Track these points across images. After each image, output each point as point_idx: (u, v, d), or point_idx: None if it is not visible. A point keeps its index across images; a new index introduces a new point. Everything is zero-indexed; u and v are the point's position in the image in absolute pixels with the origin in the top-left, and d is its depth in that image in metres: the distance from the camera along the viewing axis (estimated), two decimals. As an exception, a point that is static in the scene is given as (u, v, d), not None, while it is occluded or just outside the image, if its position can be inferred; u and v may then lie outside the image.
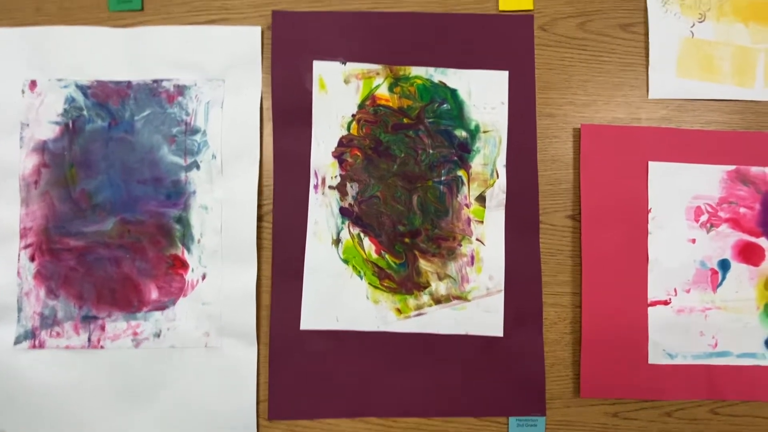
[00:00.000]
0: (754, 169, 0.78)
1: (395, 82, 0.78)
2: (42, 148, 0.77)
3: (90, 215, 0.76)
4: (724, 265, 0.77)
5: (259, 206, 0.77)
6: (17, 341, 0.75)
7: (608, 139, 0.78)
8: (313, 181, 0.77)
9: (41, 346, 0.75)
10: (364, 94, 0.78)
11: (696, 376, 0.76)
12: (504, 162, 0.77)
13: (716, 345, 0.76)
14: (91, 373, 0.75)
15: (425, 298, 0.76)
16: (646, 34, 0.79)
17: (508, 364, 0.75)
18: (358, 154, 0.78)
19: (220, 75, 0.78)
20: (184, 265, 0.76)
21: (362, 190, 0.77)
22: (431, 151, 0.78)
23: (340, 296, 0.76)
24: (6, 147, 0.76)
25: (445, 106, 0.78)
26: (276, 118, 0.78)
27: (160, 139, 0.77)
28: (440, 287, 0.76)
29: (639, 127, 0.78)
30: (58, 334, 0.75)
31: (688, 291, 0.77)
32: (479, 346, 0.75)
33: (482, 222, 0.77)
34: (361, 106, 0.78)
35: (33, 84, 0.77)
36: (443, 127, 0.78)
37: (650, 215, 0.77)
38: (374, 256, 0.76)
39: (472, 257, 0.76)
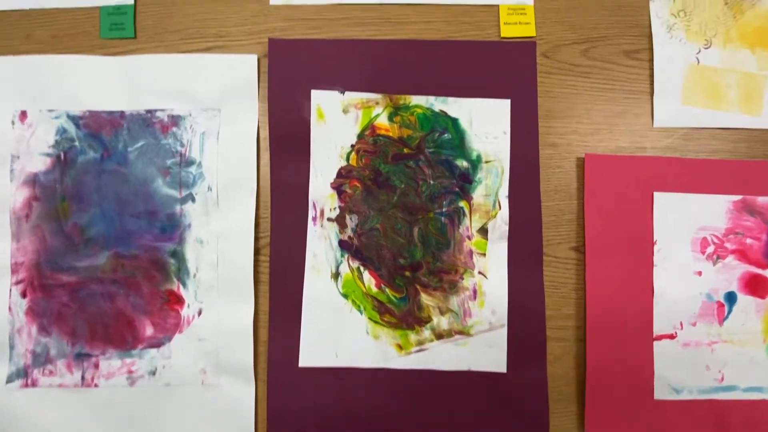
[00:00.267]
0: (761, 199, 0.76)
1: (395, 112, 0.77)
2: (33, 180, 0.75)
3: (83, 250, 0.74)
4: (731, 297, 0.76)
5: (256, 239, 0.75)
6: (9, 380, 0.73)
7: (612, 169, 0.76)
8: (311, 213, 0.75)
9: (34, 384, 0.73)
10: (364, 124, 0.76)
11: (702, 412, 0.74)
12: (506, 193, 0.76)
13: (722, 379, 0.75)
14: (85, 412, 0.73)
15: (427, 333, 0.74)
16: (651, 61, 0.78)
17: (511, 400, 0.74)
18: (358, 185, 0.76)
19: (215, 104, 0.76)
20: (179, 300, 0.74)
21: (362, 222, 0.75)
22: (432, 182, 0.76)
23: (339, 332, 0.74)
24: (-4, 180, 0.75)
25: (446, 135, 0.76)
26: (273, 148, 0.76)
27: (154, 171, 0.75)
28: (442, 322, 0.74)
29: (644, 157, 0.76)
30: (51, 372, 0.73)
31: (694, 324, 0.75)
32: (482, 382, 0.74)
33: (484, 254, 0.75)
34: (360, 136, 0.76)
35: (23, 115, 0.75)
36: (444, 157, 0.76)
37: (656, 247, 0.75)
38: (374, 290, 0.75)
39: (475, 291, 0.75)
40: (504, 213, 0.75)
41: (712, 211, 0.76)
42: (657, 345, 0.75)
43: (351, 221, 0.76)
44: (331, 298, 0.74)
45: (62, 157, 0.75)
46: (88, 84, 0.76)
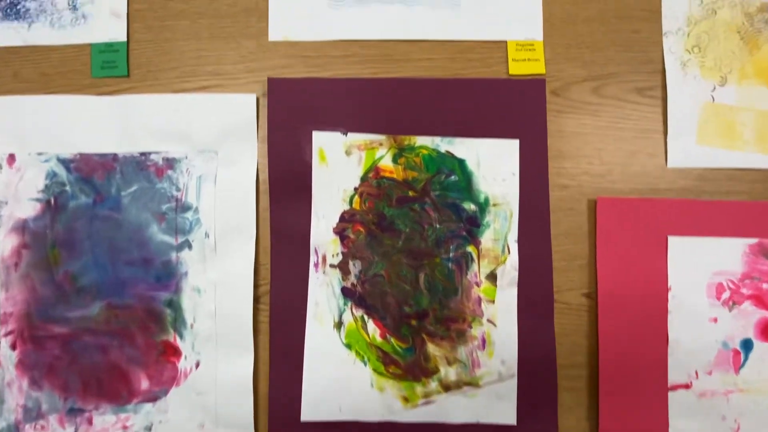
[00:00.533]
0: (778, 243, 0.74)
1: (399, 153, 0.74)
2: (22, 227, 0.72)
3: (74, 299, 0.71)
4: (747, 345, 0.73)
5: (256, 287, 0.72)
6: (-2, 436, 0.70)
7: (625, 212, 0.73)
8: (313, 259, 0.73)
9: (24, 441, 0.70)
10: (367, 166, 0.74)
11: (719, 465, 0.72)
12: (515, 237, 0.73)
13: (739, 429, 0.73)
14: (78, 470, 0.70)
15: (434, 384, 0.72)
16: (664, 99, 0.75)
17: (521, 453, 0.71)
18: (361, 230, 0.73)
19: (212, 146, 0.73)
20: (176, 352, 0.71)
21: (365, 269, 0.73)
22: (438, 226, 0.73)
23: (342, 384, 0.71)
24: (-17, 227, 0.71)
25: (452, 177, 0.74)
26: (273, 192, 0.73)
27: (148, 216, 0.72)
28: (450, 373, 0.72)
29: (657, 200, 0.74)
30: (42, 427, 0.70)
31: (709, 373, 0.73)
32: (491, 435, 0.71)
33: (493, 302, 0.72)
34: (363, 179, 0.73)
35: (11, 158, 0.72)
36: (451, 200, 0.73)
37: (670, 293, 0.73)
38: (379, 339, 0.72)
39: (483, 340, 0.72)
40: (513, 258, 0.73)
41: (728, 255, 0.74)
42: (672, 395, 0.72)
43: (354, 267, 0.73)
44: (333, 348, 0.72)
45: (52, 202, 0.72)
46: (79, 125, 0.73)
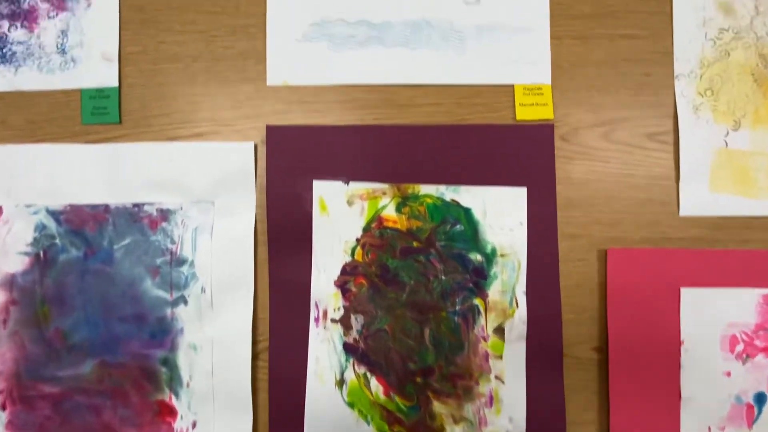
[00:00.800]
0: (794, 293, 0.72)
1: (403, 202, 0.71)
2: (10, 282, 0.69)
3: (66, 357, 0.68)
4: (760, 398, 0.71)
5: (254, 343, 0.70)
6: (-14, 501, 0.68)
7: (637, 263, 0.71)
8: (313, 314, 0.70)
9: (13, 506, 0.68)
10: (370, 216, 0.71)
11: None
12: (524, 289, 0.70)
13: (753, 486, 0.71)
14: None
15: (439, 444, 0.69)
16: (676, 144, 0.73)
17: None
18: (364, 282, 0.70)
19: (209, 196, 0.70)
20: (171, 412, 0.68)
21: (368, 323, 0.70)
22: (444, 278, 0.71)
23: (345, 444, 0.69)
24: (-31, 283, 0.68)
25: (458, 227, 0.71)
26: (272, 243, 0.70)
27: (142, 270, 0.69)
28: (456, 432, 0.69)
29: (669, 250, 0.71)
30: (32, 492, 0.68)
31: (722, 429, 0.70)
32: (499, 496, 0.69)
33: (501, 357, 0.70)
34: (366, 229, 0.71)
35: (-2, 210, 0.69)
36: (456, 251, 0.71)
37: (683, 347, 0.70)
38: (382, 398, 0.69)
39: (491, 397, 0.70)
40: (522, 311, 0.70)
41: (742, 305, 0.71)
42: (685, 453, 0.70)
43: (356, 322, 0.70)
44: (335, 407, 0.69)
45: (42, 255, 0.69)
46: (68, 175, 0.70)
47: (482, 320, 0.70)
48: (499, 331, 0.70)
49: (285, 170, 0.70)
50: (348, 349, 0.70)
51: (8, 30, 0.71)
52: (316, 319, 0.70)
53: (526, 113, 0.72)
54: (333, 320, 0.70)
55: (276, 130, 0.71)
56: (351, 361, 0.70)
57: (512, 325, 0.70)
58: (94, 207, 0.70)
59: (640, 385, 0.70)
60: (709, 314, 0.71)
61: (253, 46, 0.72)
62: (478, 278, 0.71)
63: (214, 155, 0.70)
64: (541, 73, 0.73)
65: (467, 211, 0.71)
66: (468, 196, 0.71)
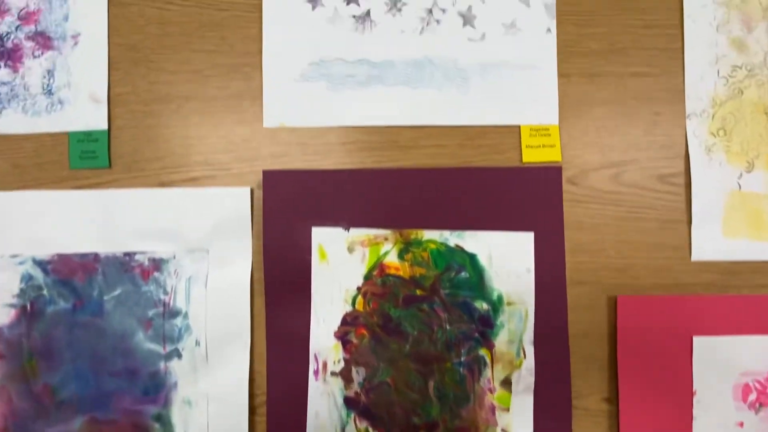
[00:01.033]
0: (809, 340, 0.69)
1: (406, 248, 0.68)
2: (-5, 336, 0.66)
3: (54, 414, 0.65)
4: (775, 449, 0.69)
5: (251, 397, 0.67)
6: None
7: (647, 311, 0.69)
8: (312, 366, 0.67)
9: None
10: (371, 263, 0.68)
11: None
12: (531, 338, 0.68)
13: None
14: None
15: (445, 501, 0.67)
16: (688, 186, 0.70)
17: None
18: (365, 333, 0.68)
19: (203, 245, 0.67)
20: (166, 470, 0.66)
21: (370, 376, 0.67)
22: (449, 327, 0.68)
23: (347, 503, 0.66)
24: (-48, 338, 0.65)
25: (463, 274, 0.68)
26: (269, 293, 0.67)
27: (134, 323, 0.66)
28: (461, 488, 0.67)
29: (681, 297, 0.69)
30: None
31: (737, 481, 0.68)
32: None
33: (508, 410, 0.67)
34: (367, 277, 0.68)
35: (-18, 261, 0.66)
36: (462, 299, 0.68)
37: (695, 398, 0.68)
38: (386, 453, 0.67)
39: (497, 452, 0.67)
40: (529, 362, 0.68)
41: (755, 353, 0.69)
42: (698, 507, 0.68)
43: (358, 375, 0.67)
44: (337, 464, 0.67)
45: (29, 307, 0.66)
46: (56, 223, 0.67)
47: (488, 371, 0.68)
48: (506, 382, 0.68)
49: (283, 216, 0.68)
50: (349, 403, 0.67)
51: (-8, 69, 0.68)
52: (316, 372, 0.67)
53: (532, 155, 0.69)
54: (333, 373, 0.67)
55: (273, 174, 0.68)
56: (352, 415, 0.67)
57: (519, 377, 0.68)
58: (83, 256, 0.67)
59: (651, 438, 0.68)
60: (721, 363, 0.69)
61: (248, 87, 0.69)
62: (485, 327, 0.68)
63: (208, 201, 0.67)
64: (548, 113, 0.70)
65: (472, 258, 0.69)
66: (473, 241, 0.69)
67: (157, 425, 0.66)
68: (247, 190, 0.67)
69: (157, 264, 0.67)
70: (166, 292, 0.67)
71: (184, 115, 0.69)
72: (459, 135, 0.70)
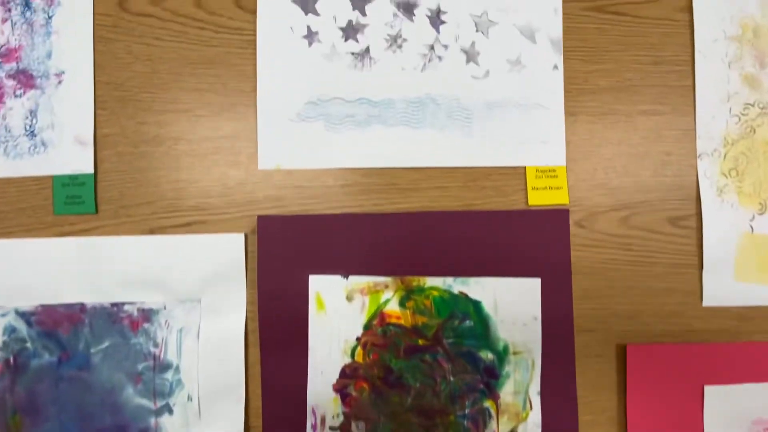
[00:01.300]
0: (823, 388, 0.67)
1: (407, 296, 0.66)
2: (-24, 392, 0.63)
3: (39, 474, 0.62)
4: (789, 501, 0.67)
5: (247, 453, 0.64)
6: None
7: (658, 360, 0.66)
8: (310, 421, 0.64)
9: None
10: (371, 312, 0.65)
11: None
12: (538, 389, 0.65)
13: None
14: None
15: None
16: (699, 229, 0.68)
17: None
18: (365, 386, 0.65)
19: (195, 294, 0.64)
20: None
21: (371, 431, 0.65)
22: (452, 379, 0.65)
23: None
24: (-70, 395, 0.62)
25: (467, 322, 0.66)
26: (264, 344, 0.64)
27: (122, 377, 0.63)
28: None
29: (692, 346, 0.67)
30: None
31: None
32: None
33: (514, 464, 0.65)
34: (367, 327, 0.65)
35: (-39, 313, 0.63)
36: (466, 349, 0.66)
37: (707, 449, 0.66)
38: None
39: None
40: (536, 414, 0.65)
41: (767, 401, 0.67)
42: None
43: (358, 429, 0.65)
44: None
45: (12, 361, 0.63)
46: (40, 272, 0.63)
47: (494, 424, 0.65)
48: (512, 435, 0.65)
49: (278, 264, 0.65)
50: (349, 458, 0.65)
51: (-29, 109, 0.64)
52: (314, 427, 0.64)
53: (539, 198, 0.67)
54: (332, 428, 0.64)
55: (268, 220, 0.65)
56: (352, 471, 0.64)
57: (525, 429, 0.65)
58: (69, 307, 0.63)
59: (662, 492, 0.66)
60: (733, 412, 0.67)
61: (242, 127, 0.66)
62: (490, 378, 0.66)
63: (200, 248, 0.64)
64: (555, 154, 0.67)
65: (477, 305, 0.66)
66: (477, 288, 0.66)
67: (147, 485, 0.63)
68: (240, 237, 0.64)
69: (147, 315, 0.64)
70: (156, 345, 0.63)
71: (174, 157, 0.66)
72: (462, 177, 0.67)
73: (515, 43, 0.67)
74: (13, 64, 0.65)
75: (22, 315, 0.63)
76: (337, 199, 0.66)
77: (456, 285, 0.66)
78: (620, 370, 0.67)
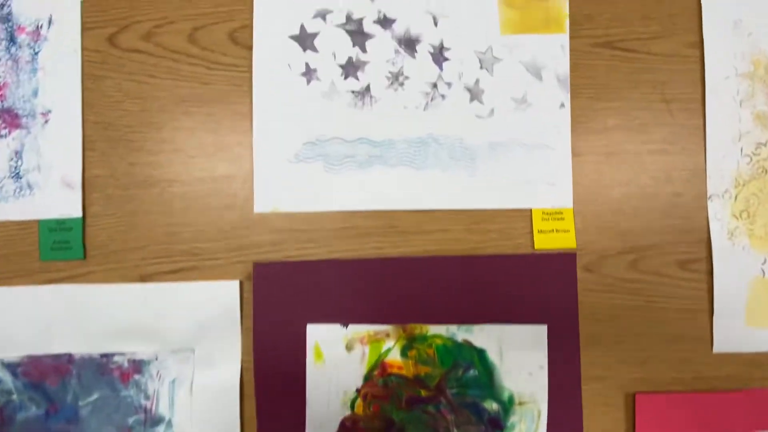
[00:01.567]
0: (837, 437, 0.65)
1: (409, 345, 0.63)
2: (-42, 448, 0.60)
3: None
4: None
5: None
6: None
7: (668, 409, 0.64)
8: (309, 475, 0.62)
9: None
10: (372, 362, 0.63)
11: None
12: (543, 440, 0.63)
13: None
14: None
15: None
16: (710, 273, 0.66)
17: None
18: (365, 438, 0.63)
19: (188, 344, 0.61)
20: None
21: (371, 485, 0.62)
22: (456, 430, 0.63)
23: None
24: None
25: (471, 372, 0.63)
26: (260, 396, 0.62)
27: (112, 431, 0.60)
28: None
29: (703, 395, 0.65)
30: None
31: None
32: None
33: None
34: (367, 378, 0.63)
35: (-58, 366, 0.60)
36: (470, 400, 0.63)
37: (719, 503, 0.64)
38: None
39: None
40: (541, 466, 0.63)
41: (781, 451, 0.65)
42: None
43: (358, 484, 0.62)
44: None
45: (-5, 415, 0.60)
46: (25, 321, 0.61)
47: (498, 477, 0.63)
48: (517, 489, 0.63)
49: (275, 312, 0.62)
50: None
51: (-47, 149, 0.62)
52: (312, 481, 0.62)
53: (545, 241, 0.65)
54: (331, 482, 0.62)
55: (264, 267, 0.62)
56: None
57: (532, 482, 0.63)
58: (56, 357, 0.61)
59: None
60: (746, 463, 0.65)
61: (238, 168, 0.63)
62: (494, 429, 0.63)
63: (193, 297, 0.61)
64: (562, 196, 0.65)
65: (481, 354, 0.64)
66: (482, 335, 0.64)
67: None
68: (235, 284, 0.62)
69: (138, 366, 0.61)
70: (147, 397, 0.61)
71: (166, 200, 0.63)
72: (465, 219, 0.64)
73: (521, 80, 0.65)
74: (-3, 103, 0.62)
75: (8, 366, 0.60)
76: (336, 243, 0.64)
77: (460, 333, 0.64)
78: (629, 419, 0.65)
